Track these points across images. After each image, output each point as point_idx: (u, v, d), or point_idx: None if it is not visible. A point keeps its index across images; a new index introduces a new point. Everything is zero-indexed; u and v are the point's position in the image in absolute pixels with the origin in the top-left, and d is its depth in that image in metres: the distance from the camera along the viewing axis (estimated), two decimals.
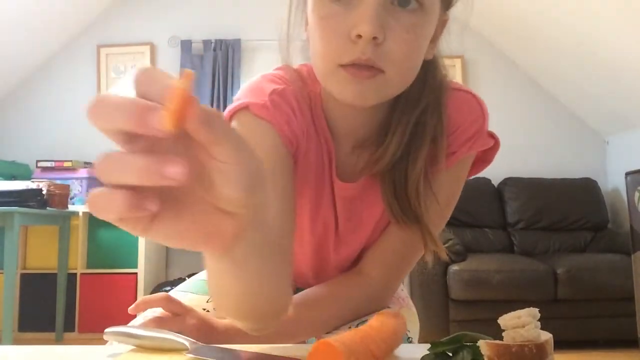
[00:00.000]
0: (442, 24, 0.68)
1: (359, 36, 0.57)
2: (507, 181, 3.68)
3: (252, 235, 0.38)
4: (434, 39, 0.67)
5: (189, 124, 0.29)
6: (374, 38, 0.57)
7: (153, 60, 3.96)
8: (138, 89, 0.30)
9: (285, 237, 0.62)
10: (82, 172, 3.54)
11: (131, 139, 0.31)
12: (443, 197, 0.72)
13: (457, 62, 3.84)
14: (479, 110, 0.72)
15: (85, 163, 3.61)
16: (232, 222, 0.35)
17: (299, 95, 0.71)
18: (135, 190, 0.29)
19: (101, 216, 0.30)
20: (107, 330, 0.57)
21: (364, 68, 0.59)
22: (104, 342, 0.61)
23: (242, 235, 0.37)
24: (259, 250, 0.41)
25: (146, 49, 3.96)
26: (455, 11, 0.70)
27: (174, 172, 0.29)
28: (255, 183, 0.33)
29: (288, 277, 0.57)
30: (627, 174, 2.76)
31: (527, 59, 3.93)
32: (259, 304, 0.50)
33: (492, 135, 0.74)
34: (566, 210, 3.57)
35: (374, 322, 0.54)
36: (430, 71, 0.70)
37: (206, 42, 3.88)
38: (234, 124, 0.68)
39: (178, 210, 0.33)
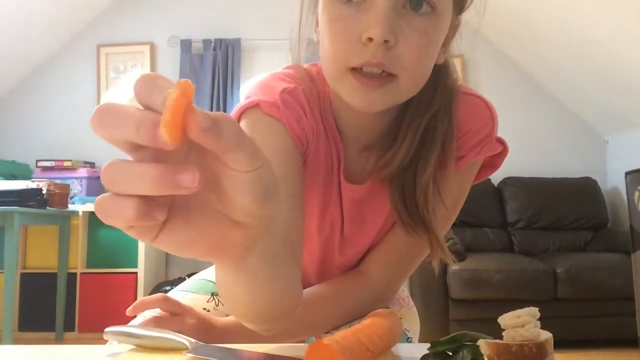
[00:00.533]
0: (454, 28, 0.68)
1: (370, 39, 0.57)
2: (507, 180, 3.68)
3: (263, 245, 0.38)
4: (446, 43, 0.67)
5: (190, 133, 0.28)
6: (386, 41, 0.56)
7: (153, 59, 3.96)
8: (139, 98, 0.29)
9: (295, 236, 0.61)
10: (82, 172, 3.55)
11: (138, 147, 0.30)
12: (449, 201, 0.72)
13: (457, 62, 3.84)
14: (489, 115, 0.72)
15: (85, 163, 3.61)
16: (243, 233, 0.34)
17: (308, 95, 0.70)
18: (144, 198, 0.29)
19: (109, 223, 0.30)
20: (107, 329, 0.57)
21: (375, 78, 0.59)
22: (104, 342, 0.61)
23: (253, 246, 0.37)
24: (270, 260, 0.41)
25: (146, 49, 3.96)
26: (467, 15, 0.70)
27: (187, 181, 0.28)
28: (268, 193, 0.32)
29: (298, 277, 0.57)
30: (627, 173, 2.76)
31: (527, 59, 3.93)
32: (270, 307, 0.50)
33: (500, 141, 0.74)
34: (566, 210, 3.57)
35: (367, 320, 0.55)
36: (441, 75, 0.70)
37: (206, 42, 3.88)
38: (244, 122, 0.68)
39: (188, 219, 0.33)
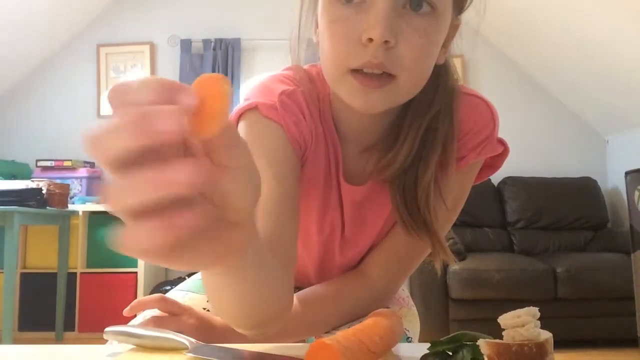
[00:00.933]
0: (454, 28, 0.68)
1: (370, 40, 0.56)
2: (507, 180, 3.68)
3: (251, 249, 0.38)
4: (446, 44, 0.67)
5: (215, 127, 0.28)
6: (386, 42, 0.56)
7: (153, 59, 3.96)
8: (120, 97, 0.27)
9: (287, 240, 0.61)
10: (82, 172, 3.54)
11: (130, 166, 0.27)
12: (450, 201, 0.72)
13: (457, 62, 3.83)
14: (490, 116, 0.72)
15: (85, 162, 3.61)
16: (239, 234, 0.34)
17: (308, 97, 0.70)
18: (158, 214, 0.26)
19: (146, 258, 0.28)
20: (107, 329, 0.57)
21: (375, 78, 0.59)
22: (104, 342, 0.61)
23: (244, 250, 0.37)
24: (255, 262, 0.41)
25: (146, 49, 3.96)
26: (467, 16, 0.69)
27: (190, 175, 0.25)
28: (259, 191, 0.33)
29: (289, 281, 0.57)
30: (627, 173, 2.76)
31: (527, 59, 3.93)
32: (258, 312, 0.50)
33: (501, 142, 0.74)
34: (566, 210, 3.57)
35: (368, 320, 0.54)
36: (442, 76, 0.70)
37: (206, 42, 3.88)
38: (242, 123, 0.69)
39: (197, 238, 0.32)
